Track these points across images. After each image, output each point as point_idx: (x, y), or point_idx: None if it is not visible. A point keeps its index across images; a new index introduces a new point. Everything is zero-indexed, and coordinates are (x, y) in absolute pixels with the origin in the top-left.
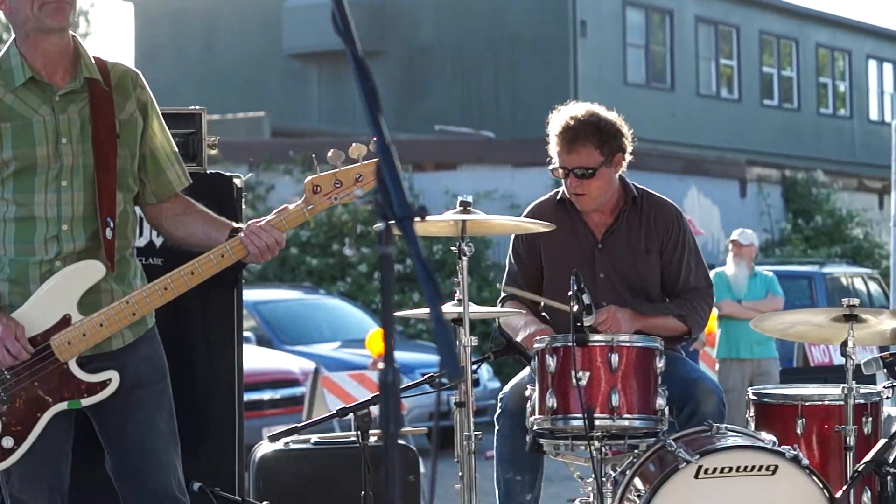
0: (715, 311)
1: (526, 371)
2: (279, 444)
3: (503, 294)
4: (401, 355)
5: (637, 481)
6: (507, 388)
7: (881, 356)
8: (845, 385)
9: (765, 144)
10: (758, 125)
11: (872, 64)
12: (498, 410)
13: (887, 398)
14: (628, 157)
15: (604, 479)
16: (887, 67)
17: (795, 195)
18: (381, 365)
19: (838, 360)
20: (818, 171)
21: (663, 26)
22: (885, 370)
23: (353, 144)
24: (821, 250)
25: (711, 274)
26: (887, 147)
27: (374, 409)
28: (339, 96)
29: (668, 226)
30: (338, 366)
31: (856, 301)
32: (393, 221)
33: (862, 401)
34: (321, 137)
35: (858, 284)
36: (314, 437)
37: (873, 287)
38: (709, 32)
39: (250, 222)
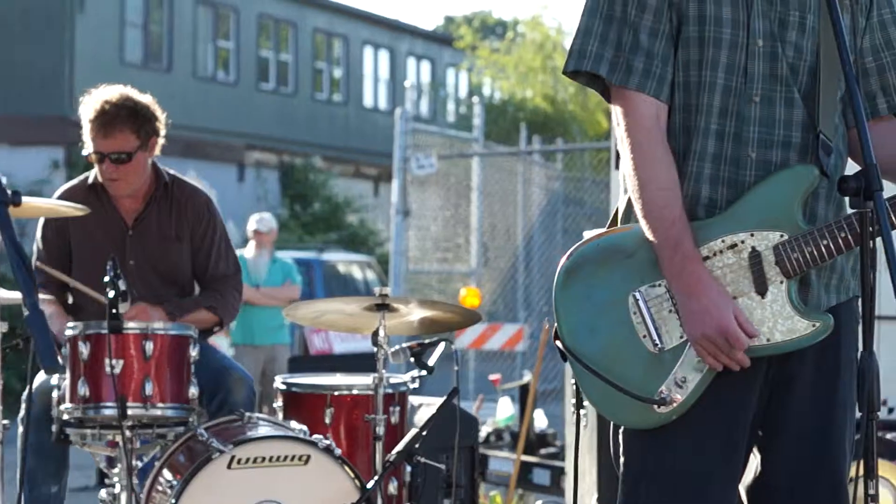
0: None
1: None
2: None
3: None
4: None
5: (166, 472)
6: (34, 387)
7: (409, 345)
8: (375, 374)
9: (263, 128)
10: (255, 109)
11: (368, 50)
12: (23, 410)
13: (413, 388)
14: (161, 141)
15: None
16: (382, 54)
17: (293, 181)
18: None
19: (338, 348)
20: (316, 157)
21: (162, 5)
22: (412, 359)
23: None
24: (317, 237)
25: None
26: (382, 134)
27: None
28: None
29: (198, 213)
30: None
31: (387, 290)
32: None
33: (390, 390)
34: None
35: (355, 271)
36: None
37: (369, 274)
38: (208, 13)
39: None
